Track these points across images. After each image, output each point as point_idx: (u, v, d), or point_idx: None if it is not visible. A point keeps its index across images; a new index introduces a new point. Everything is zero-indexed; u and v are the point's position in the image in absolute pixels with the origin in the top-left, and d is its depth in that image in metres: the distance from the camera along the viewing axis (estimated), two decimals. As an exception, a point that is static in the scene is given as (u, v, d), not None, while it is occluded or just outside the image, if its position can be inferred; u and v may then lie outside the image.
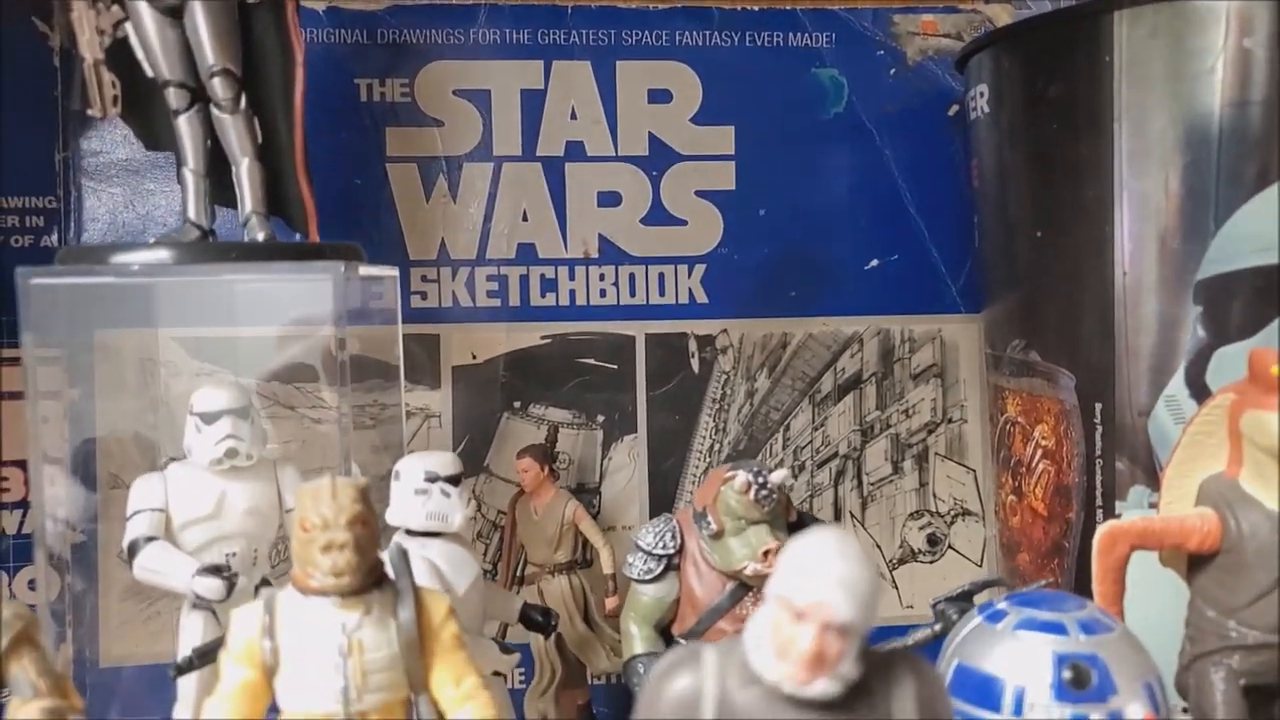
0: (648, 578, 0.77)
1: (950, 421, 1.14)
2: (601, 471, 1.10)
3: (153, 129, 0.85)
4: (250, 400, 0.77)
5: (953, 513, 1.13)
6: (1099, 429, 0.85)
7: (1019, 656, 0.56)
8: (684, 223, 1.11)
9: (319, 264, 0.76)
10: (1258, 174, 0.76)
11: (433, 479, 0.72)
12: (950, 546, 1.13)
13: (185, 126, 0.79)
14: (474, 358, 1.09)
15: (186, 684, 0.76)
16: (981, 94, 0.95)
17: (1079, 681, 0.54)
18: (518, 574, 1.02)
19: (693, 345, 1.11)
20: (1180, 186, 0.79)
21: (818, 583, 0.40)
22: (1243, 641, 0.65)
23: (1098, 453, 0.85)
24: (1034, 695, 0.55)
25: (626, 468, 1.10)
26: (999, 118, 0.93)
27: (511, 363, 1.09)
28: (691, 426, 1.11)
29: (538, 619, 0.81)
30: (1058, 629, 0.57)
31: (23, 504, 1.02)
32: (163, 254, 0.76)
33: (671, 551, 0.77)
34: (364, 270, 0.81)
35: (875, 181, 1.12)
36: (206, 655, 0.70)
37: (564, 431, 1.10)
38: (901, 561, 1.13)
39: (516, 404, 1.10)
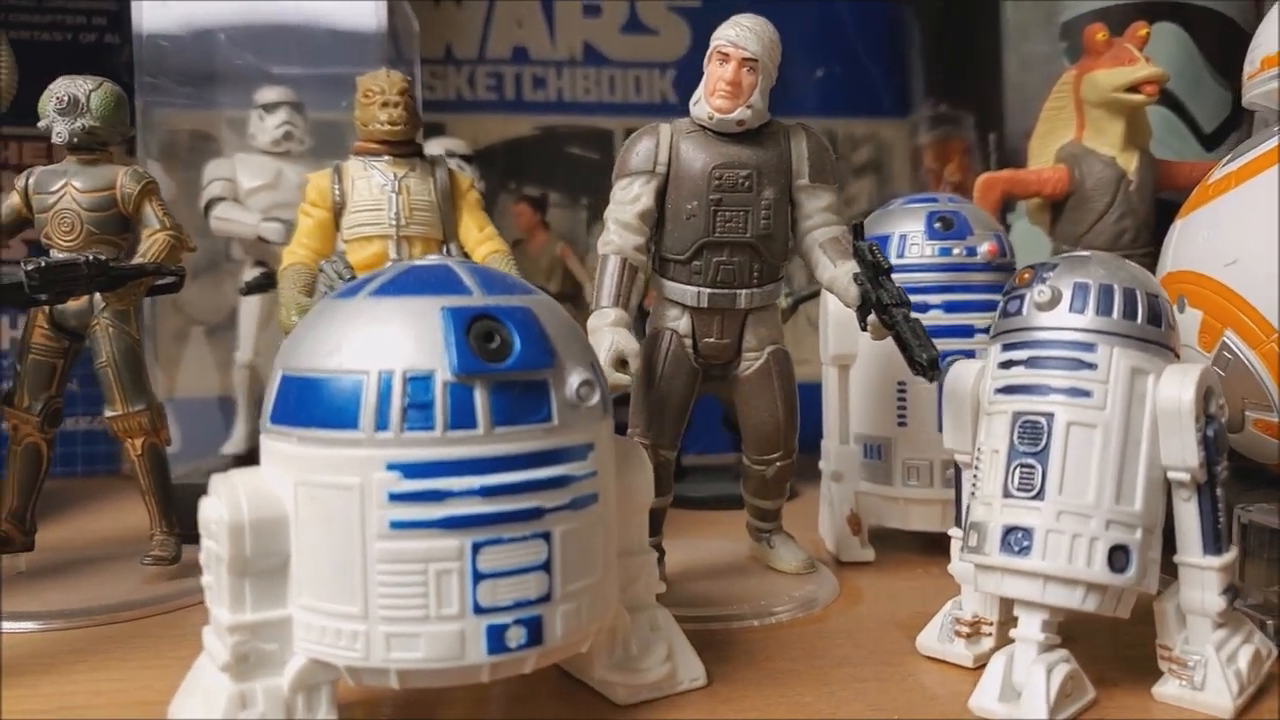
0: None
1: (884, 210, 1.32)
2: (586, 245, 1.28)
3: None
4: (303, 101, 0.94)
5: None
6: (994, 155, 1.04)
7: (902, 218, 0.75)
8: (657, 33, 1.29)
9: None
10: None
11: (450, 154, 0.89)
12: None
13: None
14: (475, 143, 1.26)
15: (247, 327, 0.92)
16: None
17: (946, 226, 0.73)
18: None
19: (664, 140, 1.29)
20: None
21: (735, 30, 0.59)
22: (1085, 258, 0.84)
23: (993, 174, 1.04)
24: (913, 238, 0.73)
25: (607, 245, 1.28)
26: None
27: (507, 149, 1.27)
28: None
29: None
30: (931, 200, 0.76)
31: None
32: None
33: None
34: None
35: (823, 6, 1.31)
36: (268, 283, 0.87)
37: (553, 209, 1.27)
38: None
39: (511, 185, 1.27)
